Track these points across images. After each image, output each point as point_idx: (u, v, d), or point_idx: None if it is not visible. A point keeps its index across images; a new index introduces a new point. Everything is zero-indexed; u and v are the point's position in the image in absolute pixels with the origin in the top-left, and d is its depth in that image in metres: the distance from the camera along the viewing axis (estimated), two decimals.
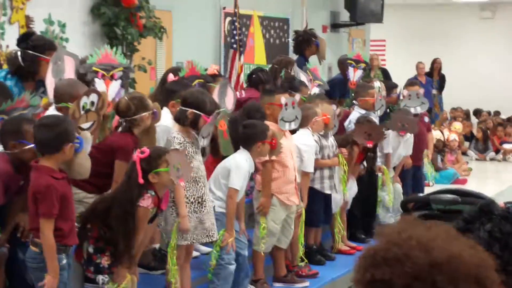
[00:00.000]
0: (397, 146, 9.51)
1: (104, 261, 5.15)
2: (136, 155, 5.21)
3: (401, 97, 10.18)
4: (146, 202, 5.14)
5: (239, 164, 6.38)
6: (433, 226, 1.97)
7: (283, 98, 7.06)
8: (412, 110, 9.74)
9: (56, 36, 9.56)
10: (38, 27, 9.19)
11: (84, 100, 5.32)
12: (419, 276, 1.83)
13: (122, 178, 5.55)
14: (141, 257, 5.83)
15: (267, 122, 6.88)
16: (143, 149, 5.27)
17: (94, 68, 6.24)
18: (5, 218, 5.19)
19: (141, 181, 5.13)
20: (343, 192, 8.16)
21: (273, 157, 6.75)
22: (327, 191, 7.90)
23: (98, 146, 5.81)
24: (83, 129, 5.29)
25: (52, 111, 5.63)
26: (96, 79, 6.20)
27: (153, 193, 5.18)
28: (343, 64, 10.39)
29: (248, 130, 6.53)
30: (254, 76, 9.14)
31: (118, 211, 5.09)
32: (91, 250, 5.17)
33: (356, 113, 9.05)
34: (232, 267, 6.36)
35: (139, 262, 5.85)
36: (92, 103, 5.37)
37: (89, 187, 5.75)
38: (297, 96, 7.64)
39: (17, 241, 5.14)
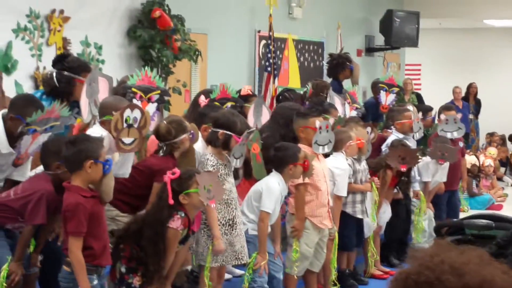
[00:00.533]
0: (434, 174, 9.47)
1: (136, 281, 5.16)
2: (167, 176, 5.23)
3: (436, 121, 10.13)
4: (176, 223, 5.15)
5: (270, 187, 6.37)
6: (466, 251, 1.96)
7: (318, 122, 7.05)
8: (449, 135, 9.69)
9: (93, 58, 9.66)
10: (75, 49, 9.28)
11: (128, 113, 5.32)
12: None
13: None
14: (175, 278, 5.83)
15: (300, 145, 6.88)
16: (174, 170, 5.30)
17: (133, 89, 6.28)
18: (38, 238, 5.24)
19: (171, 202, 5.14)
20: (371, 219, 8.09)
21: (306, 180, 6.73)
22: (359, 216, 7.85)
23: (136, 166, 5.85)
24: (124, 144, 5.28)
25: (96, 126, 5.68)
26: (134, 100, 6.25)
27: (183, 215, 5.18)
28: (375, 87, 10.39)
29: (279, 153, 6.52)
30: (281, 97, 9.24)
31: (149, 231, 5.10)
32: (123, 269, 5.18)
33: (393, 137, 9.02)
34: None
35: (173, 284, 5.86)
36: (135, 119, 5.38)
37: (123, 206, 5.78)
38: (331, 120, 7.62)
39: (56, 258, 5.18)
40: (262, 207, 6.29)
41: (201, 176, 5.31)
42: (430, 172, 9.35)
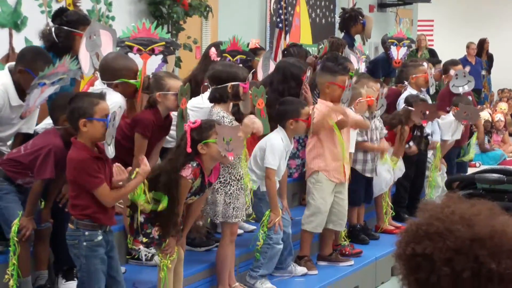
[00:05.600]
0: (454, 133, 9.45)
1: (155, 232, 5.14)
2: (188, 125, 5.22)
3: (443, 76, 10.14)
4: (186, 172, 5.13)
5: (273, 143, 6.35)
6: (477, 203, 1.96)
7: (347, 80, 6.99)
8: (460, 90, 9.65)
9: (103, 14, 9.62)
10: (85, 6, 9.25)
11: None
12: (461, 250, 1.82)
13: (139, 151, 5.54)
14: (194, 232, 5.83)
15: (320, 100, 6.86)
16: (195, 119, 5.29)
17: (127, 43, 6.22)
18: (48, 193, 5.24)
19: (189, 150, 5.13)
20: (393, 166, 8.14)
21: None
22: (368, 174, 7.84)
23: (126, 120, 5.81)
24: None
25: (98, 84, 5.66)
26: (130, 54, 6.18)
27: (195, 164, 5.16)
28: (385, 44, 10.36)
29: (281, 107, 6.51)
30: (285, 52, 9.17)
31: (164, 178, 5.09)
32: (141, 219, 5.15)
33: (408, 93, 8.99)
34: (280, 247, 6.37)
35: (190, 236, 5.89)
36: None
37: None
38: (354, 79, 7.52)
39: (64, 216, 5.18)
40: (266, 164, 6.28)
41: (221, 128, 5.29)
42: (451, 131, 9.34)
